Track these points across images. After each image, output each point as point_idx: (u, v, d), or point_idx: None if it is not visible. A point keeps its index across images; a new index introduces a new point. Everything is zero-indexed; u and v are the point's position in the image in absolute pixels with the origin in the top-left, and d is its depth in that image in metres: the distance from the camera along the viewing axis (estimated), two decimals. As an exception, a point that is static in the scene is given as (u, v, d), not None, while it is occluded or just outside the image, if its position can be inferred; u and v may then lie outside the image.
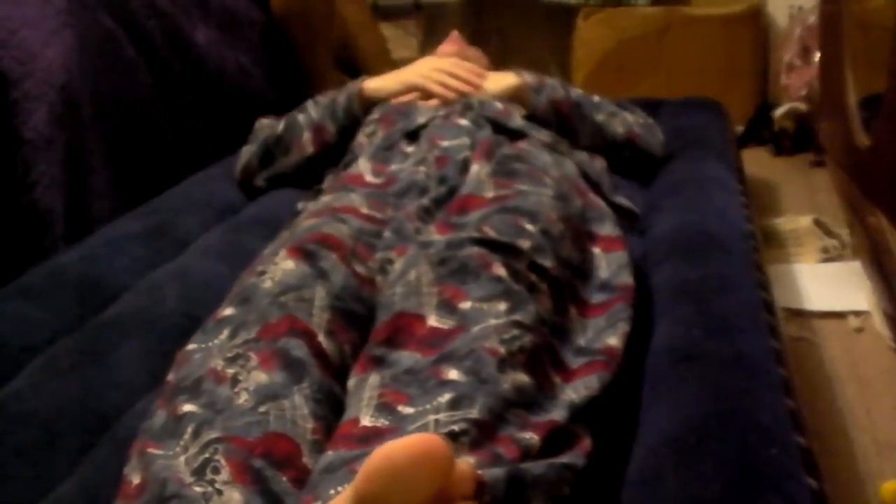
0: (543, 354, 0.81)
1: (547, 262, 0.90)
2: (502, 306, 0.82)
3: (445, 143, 1.25)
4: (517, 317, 0.81)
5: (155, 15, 1.75)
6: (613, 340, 0.86)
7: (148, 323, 1.06)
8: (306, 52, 2.22)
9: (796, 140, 2.39)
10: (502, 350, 0.77)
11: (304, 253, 0.94)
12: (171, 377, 0.86)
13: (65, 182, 1.43)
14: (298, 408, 0.77)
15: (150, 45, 1.69)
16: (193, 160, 1.70)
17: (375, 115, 1.45)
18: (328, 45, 2.32)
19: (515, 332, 0.79)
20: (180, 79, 1.77)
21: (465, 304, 0.82)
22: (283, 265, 0.92)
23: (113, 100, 1.54)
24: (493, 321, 0.80)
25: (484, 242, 0.89)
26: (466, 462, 0.63)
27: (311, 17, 2.20)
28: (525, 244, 0.90)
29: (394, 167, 1.24)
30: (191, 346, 0.87)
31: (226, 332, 0.86)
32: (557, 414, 0.75)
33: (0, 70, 1.41)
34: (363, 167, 1.25)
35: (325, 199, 1.17)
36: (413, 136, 1.32)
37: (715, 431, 0.75)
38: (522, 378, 0.76)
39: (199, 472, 0.70)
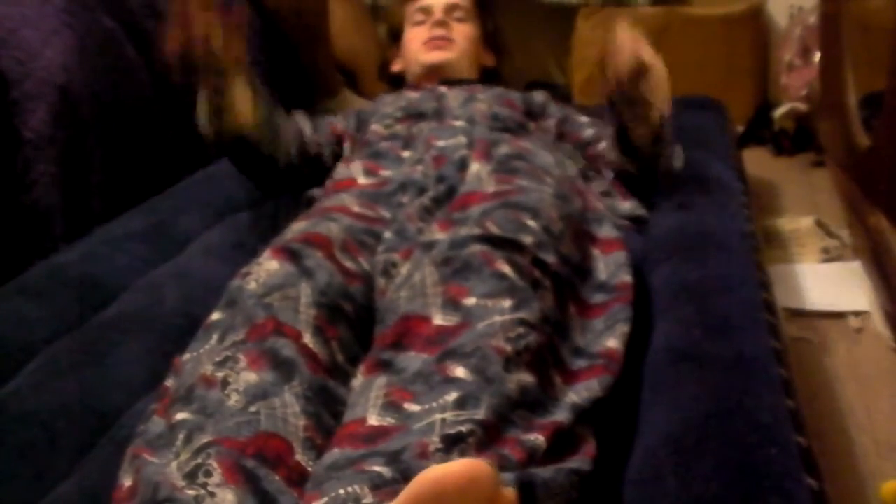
0: (546, 354, 0.81)
1: (549, 258, 0.90)
2: (507, 303, 0.82)
3: (441, 143, 1.25)
4: (522, 314, 0.81)
5: (154, 15, 1.74)
6: (613, 342, 0.86)
7: (148, 322, 1.07)
8: (305, 50, 2.22)
9: (796, 140, 2.39)
10: (508, 349, 0.77)
11: (288, 253, 0.95)
12: (169, 383, 0.86)
13: (64, 181, 1.43)
14: (289, 406, 0.77)
15: (150, 45, 1.69)
16: (193, 160, 1.70)
17: (397, 113, 1.41)
18: (327, 43, 2.32)
19: (521, 330, 0.79)
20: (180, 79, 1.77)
21: (470, 301, 0.82)
22: (266, 266, 0.93)
23: (113, 100, 1.54)
24: (498, 318, 0.80)
25: (486, 239, 0.89)
26: (511, 490, 0.63)
27: (304, 13, 2.20)
28: (528, 240, 0.90)
29: (388, 172, 1.23)
30: (185, 356, 0.87)
31: (215, 337, 0.86)
32: (561, 415, 0.75)
33: (0, 70, 1.40)
34: (355, 170, 1.25)
35: (317, 204, 1.17)
36: (407, 141, 1.32)
37: (715, 431, 0.75)
38: (527, 378, 0.76)
39: (191, 476, 0.70)
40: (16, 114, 1.40)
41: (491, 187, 1.02)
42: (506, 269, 0.85)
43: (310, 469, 0.72)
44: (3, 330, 1.04)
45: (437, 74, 1.55)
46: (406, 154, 1.27)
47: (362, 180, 1.21)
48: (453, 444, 0.67)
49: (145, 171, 1.61)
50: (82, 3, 1.54)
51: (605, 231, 1.06)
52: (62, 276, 1.17)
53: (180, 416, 0.77)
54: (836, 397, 1.30)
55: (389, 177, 1.21)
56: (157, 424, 0.79)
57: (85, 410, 0.92)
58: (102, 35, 1.56)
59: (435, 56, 1.56)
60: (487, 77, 1.64)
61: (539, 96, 1.54)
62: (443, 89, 1.47)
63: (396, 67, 1.68)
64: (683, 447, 0.74)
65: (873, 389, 1.32)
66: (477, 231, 0.90)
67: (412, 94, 1.50)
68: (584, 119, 1.51)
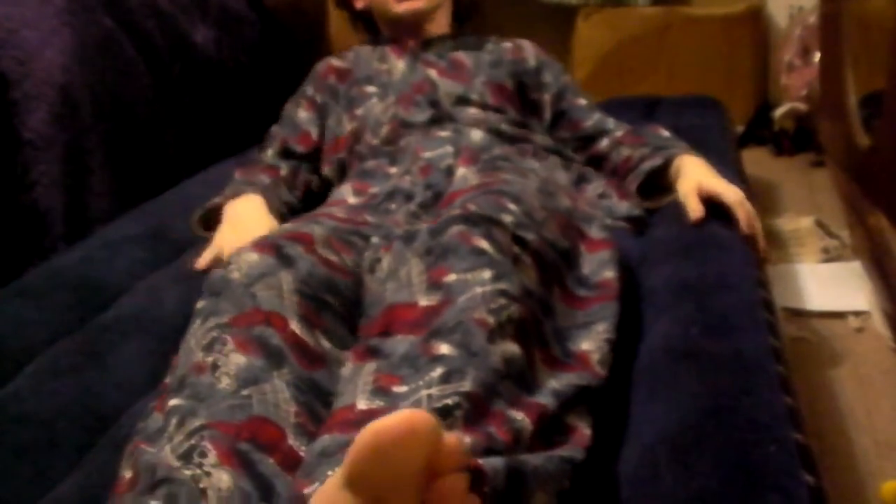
0: (530, 328, 0.81)
1: (530, 236, 0.89)
2: (486, 274, 0.81)
3: (428, 154, 1.26)
4: (503, 285, 0.80)
5: (154, 15, 1.75)
6: (587, 345, 0.86)
7: (147, 324, 1.07)
8: (305, 50, 2.23)
9: (796, 140, 2.40)
10: (491, 320, 0.77)
11: (268, 246, 0.95)
12: (168, 380, 0.87)
13: (64, 182, 1.43)
14: (280, 391, 0.78)
15: (149, 45, 1.70)
16: (193, 160, 1.70)
17: (389, 118, 1.38)
18: (327, 43, 2.32)
19: (503, 301, 0.79)
20: (180, 79, 1.77)
21: (450, 278, 0.82)
22: (246, 257, 0.93)
23: (113, 100, 1.55)
24: (479, 289, 0.79)
25: (465, 218, 0.88)
26: (455, 435, 0.63)
27: (304, 13, 2.20)
28: (507, 218, 0.89)
29: (377, 188, 1.24)
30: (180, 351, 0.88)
31: (198, 321, 0.87)
32: (545, 399, 0.75)
33: (0, 70, 1.41)
34: (346, 192, 1.26)
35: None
36: (394, 157, 1.32)
37: (713, 429, 0.75)
38: (512, 349, 0.76)
39: (185, 457, 0.71)
40: (16, 114, 1.41)
41: (475, 182, 1.02)
42: (484, 244, 0.85)
43: (302, 454, 0.73)
44: (3, 331, 1.04)
45: (411, 24, 1.49)
46: (393, 170, 1.28)
47: (352, 200, 1.23)
48: (441, 418, 0.67)
49: (145, 172, 1.62)
50: (82, 3, 1.54)
51: (593, 232, 1.06)
52: (62, 279, 1.17)
53: (173, 402, 0.78)
54: (836, 397, 1.30)
55: (378, 192, 1.23)
56: (155, 420, 0.80)
57: (84, 411, 0.92)
58: (102, 35, 1.56)
59: (407, 7, 1.47)
60: (462, 10, 1.58)
61: (531, 59, 1.49)
62: (434, 75, 1.42)
63: (360, 4, 1.58)
64: (681, 444, 0.74)
65: (873, 389, 1.32)
66: (457, 212, 0.90)
67: (397, 64, 1.45)
68: (582, 101, 1.48)
